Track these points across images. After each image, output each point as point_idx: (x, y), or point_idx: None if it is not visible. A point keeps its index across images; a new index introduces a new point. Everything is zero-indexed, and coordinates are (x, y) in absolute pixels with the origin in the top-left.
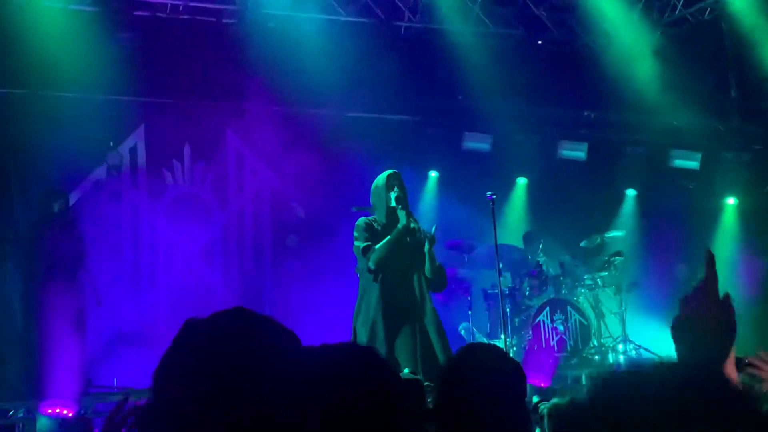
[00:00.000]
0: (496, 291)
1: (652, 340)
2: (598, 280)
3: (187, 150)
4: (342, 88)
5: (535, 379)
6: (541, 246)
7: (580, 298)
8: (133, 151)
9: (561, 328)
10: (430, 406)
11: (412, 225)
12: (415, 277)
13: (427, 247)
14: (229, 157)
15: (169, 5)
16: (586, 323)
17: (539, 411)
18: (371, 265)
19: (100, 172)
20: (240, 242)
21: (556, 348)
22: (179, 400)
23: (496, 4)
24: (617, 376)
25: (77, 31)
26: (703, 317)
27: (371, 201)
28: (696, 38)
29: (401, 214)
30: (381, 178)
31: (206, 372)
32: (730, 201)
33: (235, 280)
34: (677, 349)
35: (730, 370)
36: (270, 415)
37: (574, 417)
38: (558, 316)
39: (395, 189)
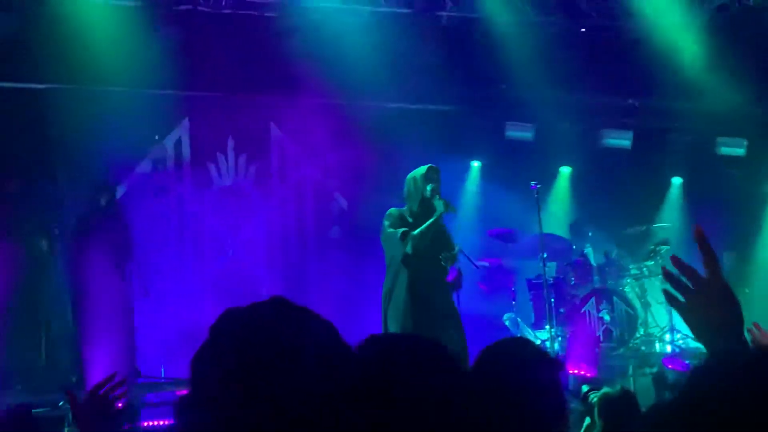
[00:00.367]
0: (541, 281)
1: None
2: (644, 269)
3: (230, 143)
4: (384, 80)
5: (581, 369)
6: (590, 235)
7: (626, 288)
8: (177, 144)
9: (607, 318)
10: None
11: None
12: (440, 269)
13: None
14: (272, 149)
15: None
16: (632, 313)
17: (589, 400)
18: (409, 250)
19: (145, 166)
20: (284, 234)
21: (601, 338)
22: (215, 389)
23: None
24: (704, 372)
25: (121, 26)
26: (713, 300)
27: (406, 190)
28: (741, 22)
29: (438, 203)
30: (420, 170)
31: (243, 361)
32: None
33: (280, 272)
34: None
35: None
36: (306, 406)
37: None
38: (604, 306)
39: (433, 181)
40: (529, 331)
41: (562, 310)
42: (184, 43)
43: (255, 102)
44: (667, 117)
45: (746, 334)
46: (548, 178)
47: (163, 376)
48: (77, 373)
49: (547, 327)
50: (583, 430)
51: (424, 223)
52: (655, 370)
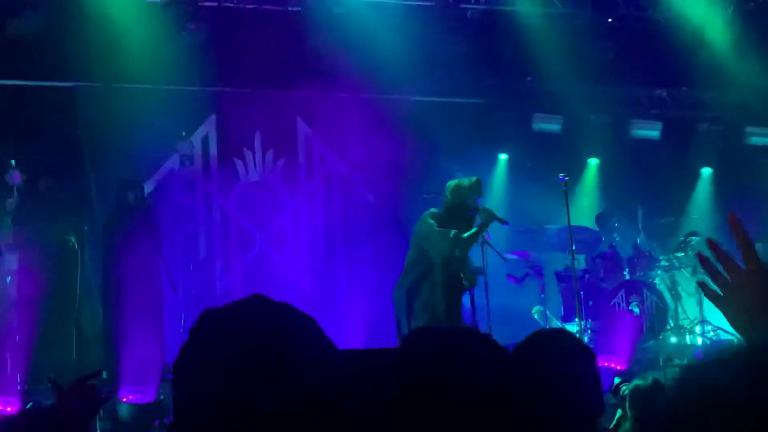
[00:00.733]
0: (569, 273)
1: None
2: (674, 261)
3: (257, 138)
4: (409, 73)
5: (612, 362)
6: (616, 226)
7: (656, 279)
8: (204, 140)
9: (637, 310)
10: None
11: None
12: (460, 277)
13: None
14: (299, 144)
15: None
16: (662, 305)
17: (621, 392)
18: (458, 252)
19: (173, 162)
20: (311, 229)
21: (631, 331)
22: (198, 391)
23: None
24: (703, 366)
25: (147, 23)
26: (752, 290)
27: (448, 197)
28: None
29: (485, 214)
30: (468, 181)
31: (223, 361)
32: None
33: (308, 267)
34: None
35: None
36: (289, 403)
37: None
38: (633, 298)
39: (479, 195)
40: (558, 324)
41: (591, 303)
42: (210, 39)
43: (281, 97)
44: (696, 107)
45: None
46: (576, 170)
47: None
48: (107, 370)
49: (576, 320)
50: (614, 421)
51: (480, 226)
52: (685, 362)
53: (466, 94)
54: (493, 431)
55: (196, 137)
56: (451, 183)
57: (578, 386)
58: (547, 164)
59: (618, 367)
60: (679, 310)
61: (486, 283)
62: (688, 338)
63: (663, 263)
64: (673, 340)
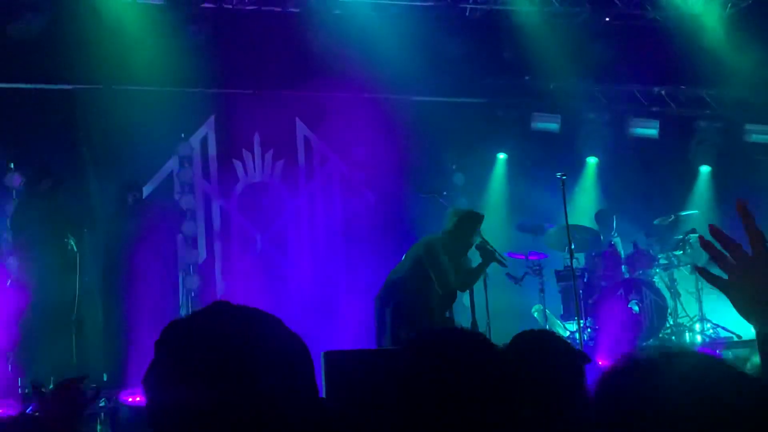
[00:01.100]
0: (569, 272)
1: (730, 318)
2: (673, 259)
3: (256, 139)
4: (409, 73)
5: (611, 361)
6: (614, 225)
7: (655, 278)
8: (203, 142)
9: (636, 308)
10: None
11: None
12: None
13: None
14: (298, 145)
15: None
16: (661, 303)
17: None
18: (461, 288)
19: (172, 164)
20: (312, 229)
21: (631, 329)
22: (168, 402)
23: None
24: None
25: (146, 25)
26: (760, 275)
27: (453, 226)
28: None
29: (488, 254)
30: (476, 217)
31: (189, 370)
32: None
33: (308, 267)
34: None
35: None
36: (260, 405)
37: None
38: (633, 296)
39: (480, 230)
40: (558, 322)
41: (590, 301)
42: (209, 41)
43: (280, 98)
44: (695, 105)
45: None
46: (575, 169)
47: None
48: (109, 373)
49: (576, 318)
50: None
51: (482, 267)
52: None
53: (465, 93)
54: (488, 429)
55: (196, 139)
56: (461, 211)
57: (563, 384)
58: (546, 163)
59: None
60: (679, 307)
61: (485, 283)
62: (687, 336)
63: (662, 261)
64: (673, 338)
